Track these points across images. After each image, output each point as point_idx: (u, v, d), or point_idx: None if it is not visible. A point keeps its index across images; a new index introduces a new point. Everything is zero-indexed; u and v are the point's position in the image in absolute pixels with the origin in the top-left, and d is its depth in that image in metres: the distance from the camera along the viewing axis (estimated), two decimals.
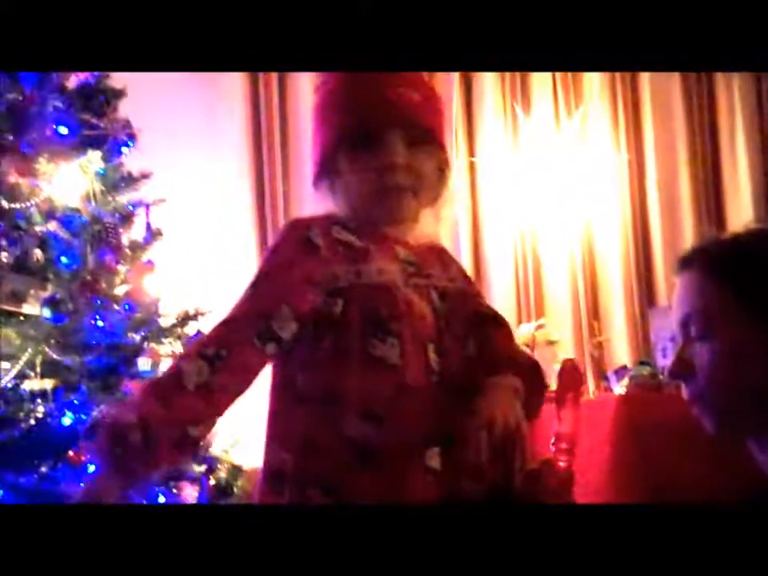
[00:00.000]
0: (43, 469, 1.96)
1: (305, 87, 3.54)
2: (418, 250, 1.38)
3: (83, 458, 1.97)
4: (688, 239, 4.07)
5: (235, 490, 2.44)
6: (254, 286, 1.31)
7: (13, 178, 2.09)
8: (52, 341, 2.11)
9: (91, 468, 1.90)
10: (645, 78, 4.11)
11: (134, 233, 2.53)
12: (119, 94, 2.44)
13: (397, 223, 1.38)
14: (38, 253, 2.15)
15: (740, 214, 4.15)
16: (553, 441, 1.23)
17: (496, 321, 1.40)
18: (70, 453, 1.99)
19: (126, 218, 2.47)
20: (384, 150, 1.32)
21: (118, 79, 2.44)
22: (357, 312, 1.27)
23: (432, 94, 1.39)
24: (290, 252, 1.32)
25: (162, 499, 2.03)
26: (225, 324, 1.25)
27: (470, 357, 1.33)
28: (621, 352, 3.95)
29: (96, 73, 2.31)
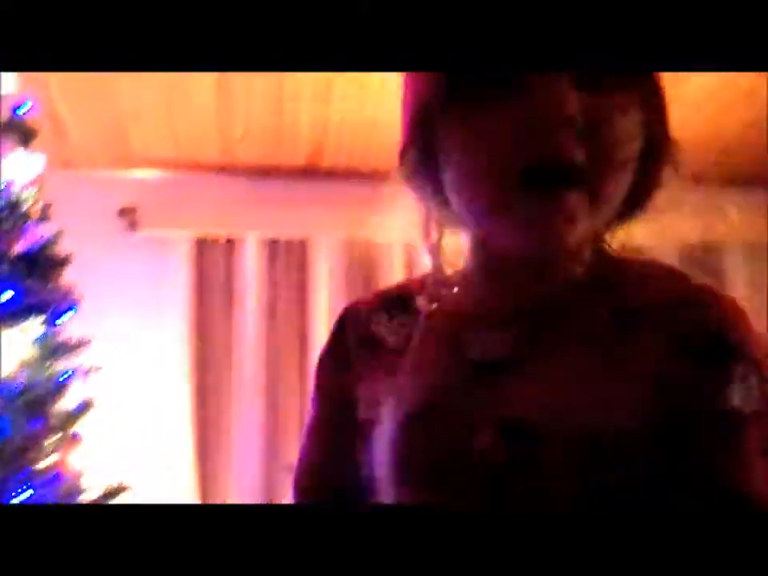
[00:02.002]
0: None
1: (251, 252, 3.55)
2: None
3: None
4: None
5: None
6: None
7: None
8: None
9: None
10: None
11: (66, 402, 2.45)
12: (64, 261, 2.41)
13: (544, 253, 0.74)
14: None
15: None
16: None
17: None
18: None
19: (60, 386, 2.39)
20: (537, 85, 0.68)
21: (63, 246, 2.42)
22: None
23: None
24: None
25: None
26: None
27: None
28: None
29: (41, 240, 2.29)
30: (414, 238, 0.83)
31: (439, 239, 0.82)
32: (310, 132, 3.32)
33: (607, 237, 0.80)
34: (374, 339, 0.83)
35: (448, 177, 0.74)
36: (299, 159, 3.53)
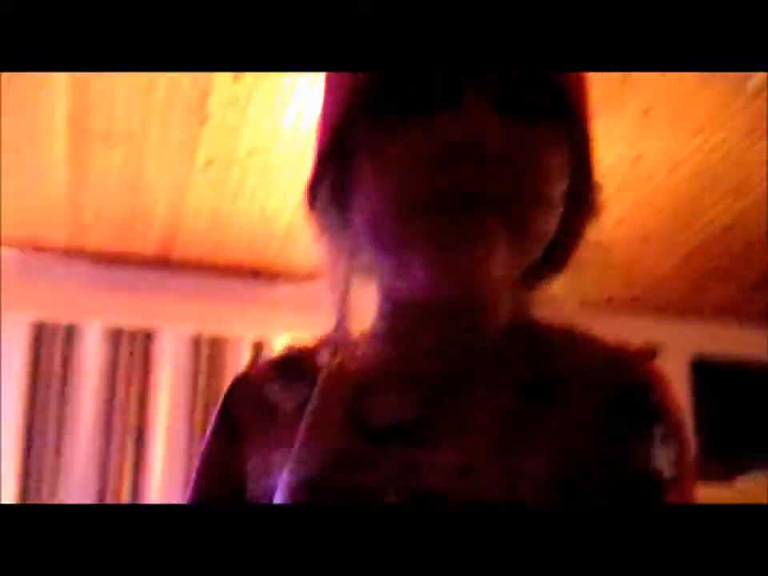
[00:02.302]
0: None
1: (92, 339, 3.44)
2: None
3: None
4: None
5: None
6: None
7: None
8: None
9: None
10: None
11: None
12: None
13: (462, 292, 0.67)
14: None
15: None
16: None
17: None
18: None
19: None
20: (458, 106, 0.64)
21: None
22: None
23: None
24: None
25: None
26: None
27: None
28: None
29: None
30: (263, 334, 0.80)
31: (345, 291, 0.74)
32: (164, 221, 3.29)
33: (527, 295, 0.75)
34: (268, 408, 0.75)
35: (358, 212, 0.69)
36: (150, 248, 3.48)
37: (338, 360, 0.74)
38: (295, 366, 0.77)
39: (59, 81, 2.58)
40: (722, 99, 2.80)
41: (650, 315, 3.96)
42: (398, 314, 0.73)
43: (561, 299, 0.75)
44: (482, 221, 0.63)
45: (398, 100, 0.65)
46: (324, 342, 0.77)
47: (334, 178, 0.70)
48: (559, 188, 0.68)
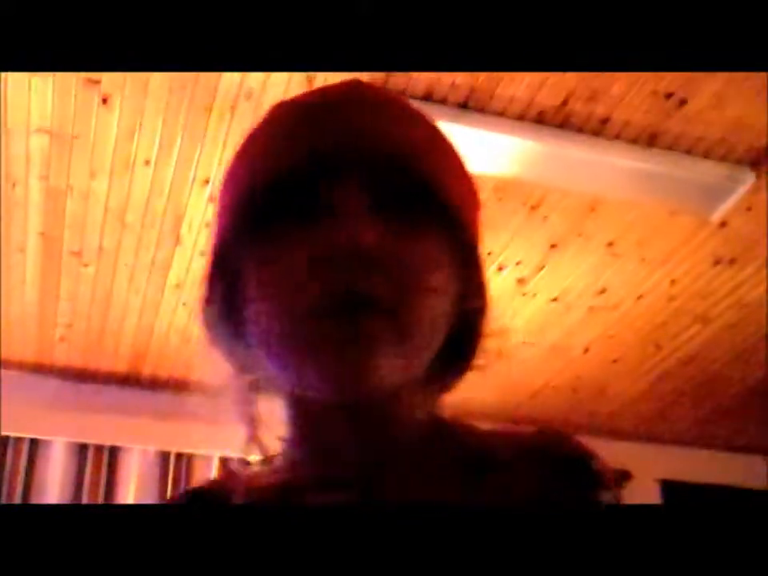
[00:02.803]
0: None
1: (57, 453, 3.40)
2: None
3: None
4: None
5: None
6: None
7: None
8: None
9: None
10: None
11: None
12: None
13: (356, 393, 0.65)
14: None
15: None
16: None
17: None
18: None
19: None
20: (335, 211, 0.65)
21: None
22: None
23: (445, 144, 0.72)
24: None
25: None
26: None
27: None
28: None
29: None
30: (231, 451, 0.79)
31: (252, 406, 0.72)
32: (134, 339, 3.29)
33: (437, 399, 0.74)
34: None
35: (250, 325, 0.68)
36: (120, 365, 3.47)
37: (254, 483, 0.72)
38: (212, 501, 0.74)
39: (34, 197, 2.62)
40: (688, 230, 2.88)
41: (618, 439, 3.96)
42: (306, 420, 0.72)
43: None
44: (366, 323, 0.63)
45: (279, 213, 0.66)
46: (235, 471, 0.75)
47: (224, 294, 0.71)
48: (444, 285, 0.68)
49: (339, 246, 0.63)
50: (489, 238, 2.90)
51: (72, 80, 2.25)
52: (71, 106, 2.34)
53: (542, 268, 3.05)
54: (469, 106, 2.42)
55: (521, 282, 3.12)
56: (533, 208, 2.78)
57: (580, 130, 2.49)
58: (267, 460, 0.73)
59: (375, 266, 0.63)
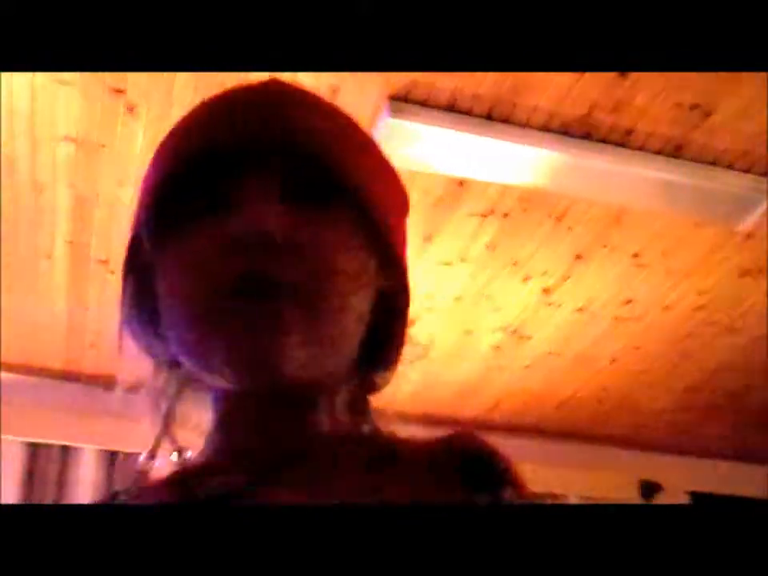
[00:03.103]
0: None
1: (86, 460, 3.43)
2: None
3: None
4: None
5: None
6: None
7: None
8: None
9: None
10: None
11: None
12: None
13: (265, 377, 0.65)
14: None
15: None
16: None
17: None
18: None
19: None
20: (241, 200, 0.65)
21: None
22: None
23: (359, 137, 0.73)
24: None
25: None
26: None
27: None
28: None
29: None
30: None
31: (172, 399, 0.74)
32: None
33: (360, 400, 0.74)
34: None
35: (162, 314, 0.69)
36: None
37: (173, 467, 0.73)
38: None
39: (62, 205, 2.65)
40: (713, 241, 2.85)
41: (647, 451, 3.93)
42: (223, 406, 0.72)
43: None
44: (274, 306, 0.63)
45: (187, 205, 0.67)
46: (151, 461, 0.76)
47: (137, 287, 0.72)
48: (355, 270, 0.67)
49: (246, 231, 0.63)
50: (514, 249, 2.89)
51: (98, 88, 2.28)
52: (97, 115, 2.37)
53: (567, 278, 3.04)
54: (493, 117, 2.41)
55: (546, 292, 3.11)
56: (558, 219, 2.77)
57: (604, 140, 2.48)
58: (180, 454, 0.73)
59: (283, 250, 0.63)
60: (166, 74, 2.25)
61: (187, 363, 0.69)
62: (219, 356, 0.64)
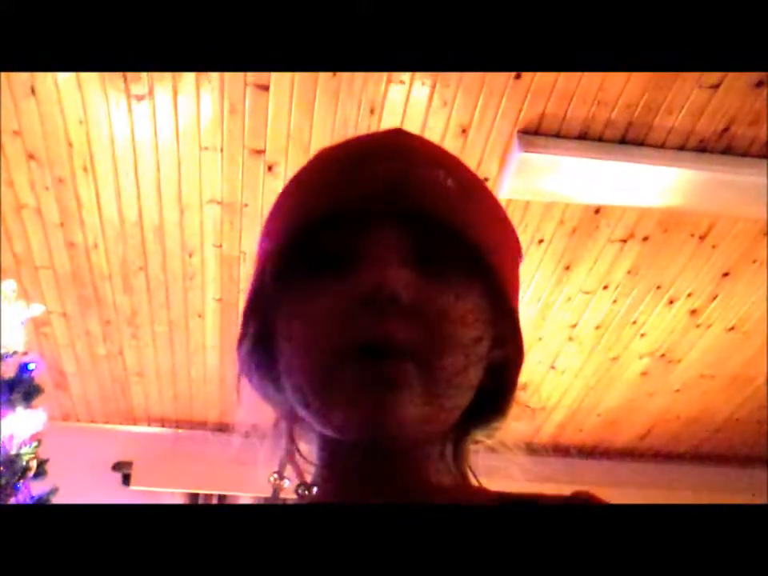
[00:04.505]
0: None
1: None
2: None
3: None
4: None
5: None
6: None
7: None
8: None
9: None
10: None
11: None
12: None
13: (381, 434, 0.65)
14: None
15: None
16: None
17: None
18: None
19: None
20: (367, 259, 0.66)
21: (57, 500, 2.41)
22: None
23: (481, 192, 0.73)
24: None
25: None
26: None
27: None
28: None
29: (35, 496, 2.28)
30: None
31: (291, 446, 0.74)
32: None
33: (464, 453, 0.74)
34: None
35: (281, 365, 0.69)
36: None
37: None
38: None
39: (210, 265, 2.75)
40: None
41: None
42: (330, 461, 0.72)
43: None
44: (393, 367, 0.63)
45: (311, 261, 0.67)
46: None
47: (257, 337, 0.72)
48: (477, 336, 0.68)
49: (373, 292, 0.63)
50: (657, 272, 2.83)
51: (238, 151, 2.37)
52: (239, 177, 2.46)
53: (714, 297, 2.96)
54: (627, 141, 2.39)
55: (693, 313, 3.03)
56: (701, 238, 2.70)
57: (744, 154, 2.42)
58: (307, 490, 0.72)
59: (407, 313, 0.64)
60: (302, 131, 2.32)
61: (303, 414, 0.70)
62: (338, 410, 0.65)
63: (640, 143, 2.39)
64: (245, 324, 0.73)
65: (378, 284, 0.63)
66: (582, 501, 0.67)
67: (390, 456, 0.69)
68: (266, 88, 2.22)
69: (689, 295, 2.95)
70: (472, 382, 0.68)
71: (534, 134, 2.44)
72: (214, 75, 2.17)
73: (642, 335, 3.15)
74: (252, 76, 2.19)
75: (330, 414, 0.65)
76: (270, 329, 0.70)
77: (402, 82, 2.22)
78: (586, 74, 2.17)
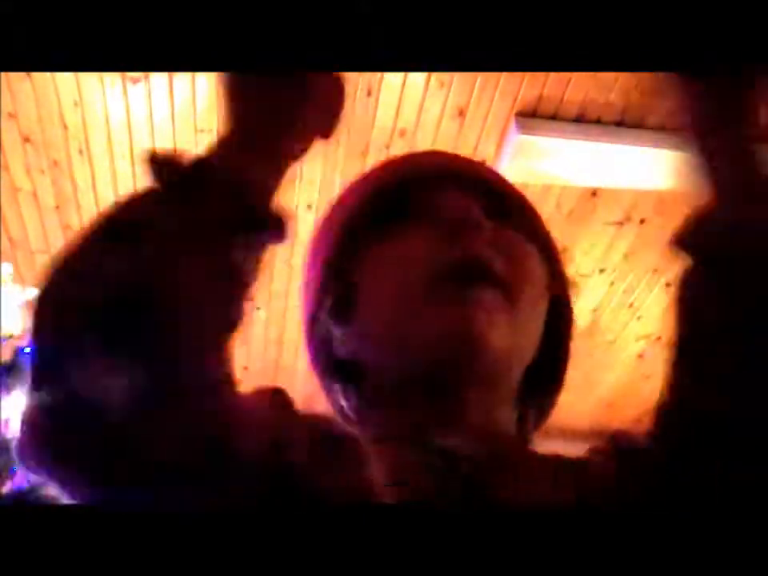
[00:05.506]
0: None
1: None
2: None
3: None
4: None
5: None
6: None
7: None
8: None
9: None
10: None
11: None
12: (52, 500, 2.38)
13: (467, 357, 0.66)
14: None
15: None
16: None
17: None
18: None
19: None
20: (444, 205, 0.70)
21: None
22: None
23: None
24: None
25: None
26: None
27: None
28: None
29: (29, 482, 2.28)
30: None
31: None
32: (304, 380, 3.38)
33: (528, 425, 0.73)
34: None
35: (364, 313, 0.70)
36: None
37: None
38: None
39: None
40: None
41: None
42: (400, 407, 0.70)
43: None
44: (486, 290, 0.65)
45: (393, 214, 0.71)
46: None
47: (335, 303, 0.72)
48: (541, 273, 0.70)
49: (459, 219, 0.67)
50: (653, 255, 2.84)
51: None
52: None
53: None
54: (624, 123, 2.38)
55: None
56: None
57: None
58: None
59: (491, 244, 0.66)
60: None
61: (377, 358, 0.70)
62: (429, 329, 0.65)
63: (637, 126, 2.38)
64: (322, 294, 0.73)
65: (463, 215, 0.67)
66: (623, 441, 0.66)
67: (466, 388, 0.67)
68: None
69: None
70: (539, 326, 0.69)
71: (532, 116, 2.43)
72: None
73: (639, 318, 3.15)
74: None
75: (420, 338, 0.65)
76: (347, 294, 0.70)
77: None
78: None
